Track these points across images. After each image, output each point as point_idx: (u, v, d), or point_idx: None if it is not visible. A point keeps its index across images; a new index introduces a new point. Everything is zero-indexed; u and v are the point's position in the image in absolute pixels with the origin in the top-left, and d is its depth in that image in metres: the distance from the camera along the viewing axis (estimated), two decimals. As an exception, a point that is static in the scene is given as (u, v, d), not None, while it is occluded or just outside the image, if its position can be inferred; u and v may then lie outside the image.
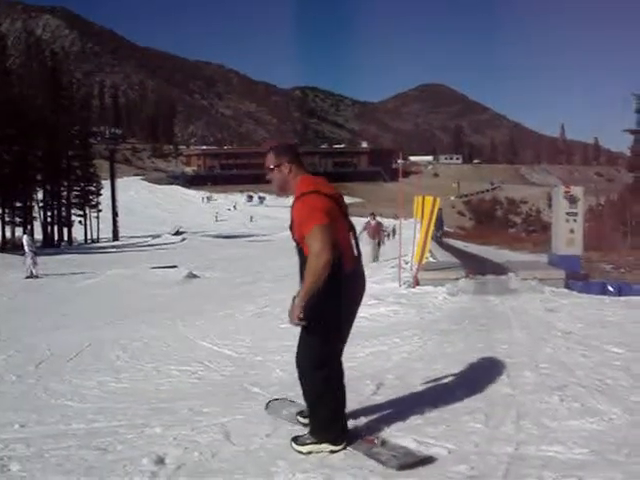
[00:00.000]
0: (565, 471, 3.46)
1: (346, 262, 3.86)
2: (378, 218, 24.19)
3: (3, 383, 7.14)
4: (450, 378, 5.59)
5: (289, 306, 3.81)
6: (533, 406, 4.68)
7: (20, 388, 6.85)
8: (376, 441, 4.01)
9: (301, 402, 4.37)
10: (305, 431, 4.17)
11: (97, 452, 4.21)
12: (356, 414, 4.55)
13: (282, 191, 4.08)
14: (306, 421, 4.29)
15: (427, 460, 3.73)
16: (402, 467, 3.65)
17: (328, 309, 3.83)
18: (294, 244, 3.93)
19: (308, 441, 4.05)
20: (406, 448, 3.92)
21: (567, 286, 11.61)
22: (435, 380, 5.54)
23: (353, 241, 4.03)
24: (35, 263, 26.70)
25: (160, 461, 3.94)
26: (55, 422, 5.18)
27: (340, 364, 4.12)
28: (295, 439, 4.11)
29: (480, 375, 5.67)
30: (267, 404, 4.93)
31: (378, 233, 23.54)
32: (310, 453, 3.97)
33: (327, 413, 4.02)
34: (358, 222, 19.46)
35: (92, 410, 5.55)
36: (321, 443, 4.00)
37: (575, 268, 12.91)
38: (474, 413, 4.56)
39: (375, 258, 22.41)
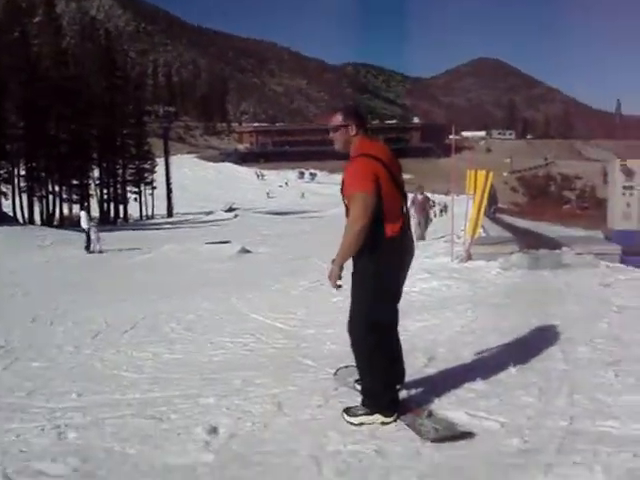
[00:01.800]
0: (620, 446, 3.41)
1: (391, 227, 3.93)
2: (427, 193, 23.44)
3: (61, 354, 7.28)
4: (503, 352, 5.54)
5: (327, 270, 3.95)
6: (587, 381, 4.61)
7: (77, 359, 6.97)
8: (423, 413, 4.02)
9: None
10: (358, 402, 4.19)
11: (152, 421, 4.30)
12: (407, 387, 4.55)
13: (344, 149, 4.13)
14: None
15: (467, 435, 3.73)
16: (436, 440, 3.67)
17: (375, 273, 3.94)
18: (344, 210, 4.01)
19: (360, 412, 4.09)
20: (450, 422, 3.92)
21: (623, 261, 11.37)
22: (487, 354, 5.51)
23: (403, 207, 4.10)
24: (99, 238, 27.25)
25: (213, 430, 4.00)
26: (111, 392, 5.28)
27: (394, 333, 4.21)
28: (347, 410, 4.15)
29: (533, 350, 5.60)
30: (336, 371, 5.01)
31: (425, 209, 22.09)
32: (362, 424, 4.01)
33: (378, 382, 4.07)
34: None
35: (147, 380, 5.64)
36: (373, 414, 4.03)
37: (632, 243, 12.63)
38: (527, 387, 4.52)
39: (421, 237, 20.58)
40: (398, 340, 4.27)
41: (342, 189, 4.02)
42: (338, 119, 4.13)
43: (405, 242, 4.10)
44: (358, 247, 3.84)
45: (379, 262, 3.92)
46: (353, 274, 4.04)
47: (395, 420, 4.02)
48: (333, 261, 3.96)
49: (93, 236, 27.03)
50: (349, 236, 3.82)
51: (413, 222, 20.25)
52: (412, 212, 20.61)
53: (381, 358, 4.05)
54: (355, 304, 4.08)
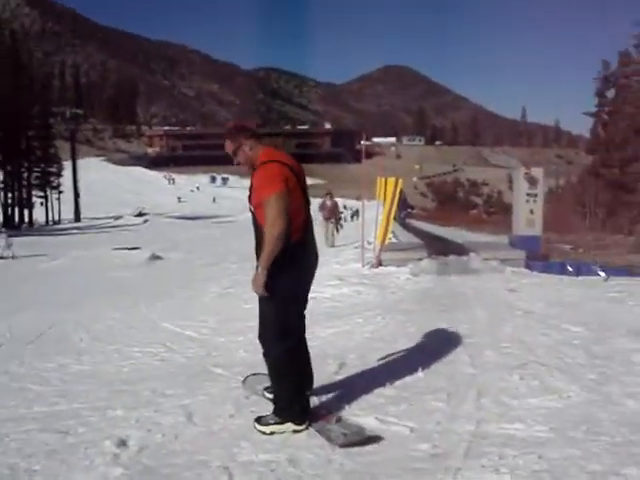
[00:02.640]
0: (525, 448, 3.52)
1: (296, 232, 3.95)
2: (337, 198, 23.42)
3: (-38, 367, 7.02)
4: (412, 358, 5.63)
5: (252, 275, 3.96)
6: (494, 384, 4.74)
7: (-21, 372, 6.74)
8: (332, 419, 4.06)
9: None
10: (269, 411, 4.20)
11: (58, 435, 4.19)
12: (318, 393, 4.58)
13: (252, 168, 4.09)
14: (271, 396, 4.32)
15: (375, 439, 3.82)
16: (345, 445, 3.74)
17: (282, 279, 3.92)
18: (251, 217, 4.07)
19: (271, 421, 4.10)
20: (358, 426, 3.98)
21: (527, 266, 11.76)
22: (397, 360, 5.59)
23: (307, 213, 4.14)
24: (10, 244, 26.43)
25: (122, 443, 3.93)
26: (15, 405, 5.12)
27: (303, 340, 4.22)
28: (258, 420, 4.15)
29: (442, 354, 5.72)
30: (244, 379, 4.99)
31: (334, 215, 21.79)
32: (273, 433, 4.03)
33: (290, 390, 4.08)
34: (315, 203, 19.46)
35: (53, 393, 5.49)
36: (284, 423, 4.05)
37: (535, 248, 13.05)
38: (436, 392, 4.61)
39: (331, 244, 20.70)
40: (306, 346, 4.28)
41: (250, 196, 4.03)
42: (229, 144, 4.14)
43: (309, 248, 4.14)
44: (279, 249, 3.82)
45: (286, 268, 3.92)
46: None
47: (307, 428, 4.04)
48: (257, 267, 3.93)
49: (2, 242, 26.23)
50: (270, 240, 3.80)
51: (321, 229, 20.14)
52: (320, 218, 20.48)
53: (293, 365, 4.08)
54: (264, 311, 4.10)
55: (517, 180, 14.12)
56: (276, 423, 4.07)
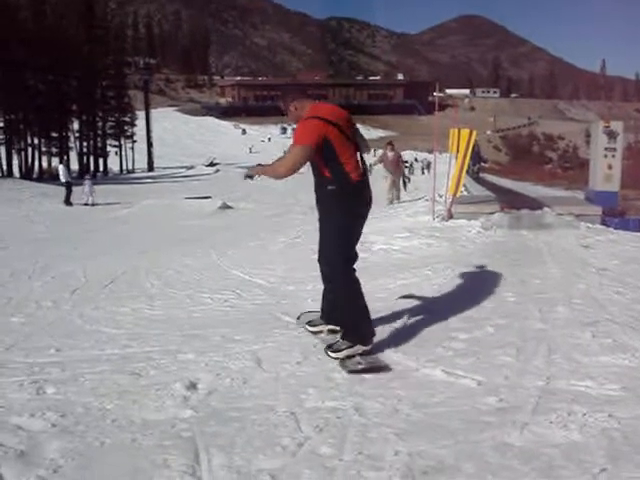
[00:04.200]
0: (595, 406, 3.45)
1: (355, 173, 4.40)
2: (409, 151, 22.55)
3: (39, 309, 7.23)
4: (481, 312, 5.58)
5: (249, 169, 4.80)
6: (565, 341, 4.66)
7: (56, 314, 6.92)
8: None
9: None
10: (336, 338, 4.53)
11: (130, 377, 4.28)
12: (386, 344, 4.59)
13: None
14: (315, 329, 5.00)
15: (385, 368, 4.21)
16: (352, 372, 4.16)
17: (342, 211, 4.42)
18: None
19: (343, 346, 4.43)
20: (376, 359, 4.38)
21: (603, 222, 11.44)
22: (466, 313, 5.53)
23: (359, 158, 4.50)
24: (93, 191, 27.20)
25: (192, 386, 4.00)
26: (90, 347, 5.25)
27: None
28: (329, 347, 4.52)
29: (512, 309, 5.65)
30: (299, 316, 5.43)
31: (398, 166, 19.69)
32: (346, 358, 4.34)
33: (359, 313, 4.48)
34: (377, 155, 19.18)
35: (126, 336, 5.61)
36: (354, 345, 4.39)
37: (612, 204, 12.70)
38: (505, 347, 4.56)
39: (395, 198, 19.13)
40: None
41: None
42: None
43: (366, 191, 4.53)
44: (277, 176, 4.49)
45: (348, 204, 4.40)
46: (323, 214, 4.59)
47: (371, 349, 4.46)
48: (259, 164, 4.74)
49: (87, 189, 27.00)
50: (274, 170, 4.46)
51: (386, 182, 19.36)
52: (384, 171, 19.44)
53: (358, 286, 4.50)
54: (327, 238, 4.53)
55: (595, 134, 13.72)
56: (347, 347, 4.40)
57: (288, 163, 4.30)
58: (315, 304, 6.11)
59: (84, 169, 65.62)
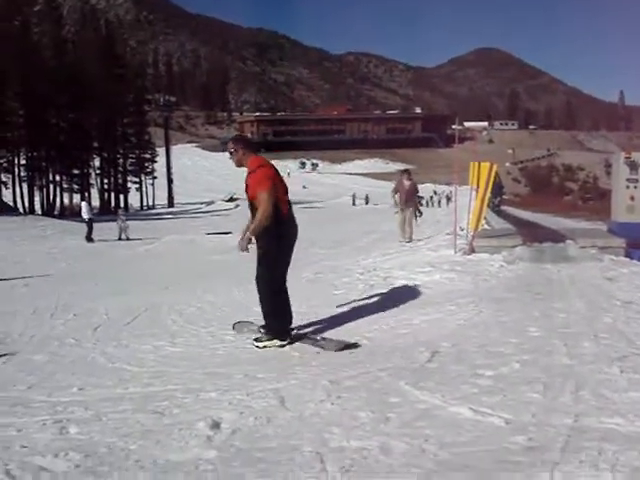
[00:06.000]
0: (626, 444, 3.36)
1: (284, 208, 6.17)
2: (427, 184, 21.63)
3: (62, 347, 7.24)
4: (506, 347, 5.51)
5: (238, 239, 6.41)
6: (592, 377, 4.57)
7: (78, 352, 6.93)
8: (319, 337, 6.29)
9: (255, 323, 6.97)
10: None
11: (154, 416, 4.25)
12: (411, 382, 4.54)
13: (239, 165, 6.42)
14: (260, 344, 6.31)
15: (353, 345, 5.80)
16: (339, 349, 5.74)
17: (274, 242, 6.14)
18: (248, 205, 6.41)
19: (264, 339, 6.26)
20: (339, 340, 6.00)
21: (627, 255, 11.33)
22: (491, 349, 5.47)
23: (286, 197, 6.29)
24: (127, 227, 27.70)
25: (216, 425, 3.96)
26: (113, 385, 5.24)
27: (285, 288, 6.43)
28: (256, 339, 6.31)
29: (537, 344, 5.58)
30: (233, 325, 7.14)
31: (413, 198, 17.83)
32: (265, 347, 6.17)
33: (274, 311, 6.31)
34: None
35: (148, 374, 5.60)
36: (272, 339, 6.19)
37: (636, 236, 12.58)
38: (531, 383, 4.48)
39: (409, 237, 17.05)
40: (286, 289, 6.45)
41: (247, 191, 6.23)
42: (230, 144, 6.44)
43: (292, 220, 6.34)
44: (265, 225, 5.96)
45: (279, 233, 6.12)
46: (260, 246, 6.23)
47: (289, 343, 6.23)
48: (244, 232, 6.35)
49: (122, 225, 27.52)
50: (260, 218, 5.93)
51: (397, 217, 17.91)
52: (398, 201, 17.64)
53: (279, 301, 6.31)
54: (262, 267, 6.29)
55: (617, 165, 13.67)
56: (267, 340, 6.22)
57: (265, 210, 5.86)
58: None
59: (105, 205, 66.29)
